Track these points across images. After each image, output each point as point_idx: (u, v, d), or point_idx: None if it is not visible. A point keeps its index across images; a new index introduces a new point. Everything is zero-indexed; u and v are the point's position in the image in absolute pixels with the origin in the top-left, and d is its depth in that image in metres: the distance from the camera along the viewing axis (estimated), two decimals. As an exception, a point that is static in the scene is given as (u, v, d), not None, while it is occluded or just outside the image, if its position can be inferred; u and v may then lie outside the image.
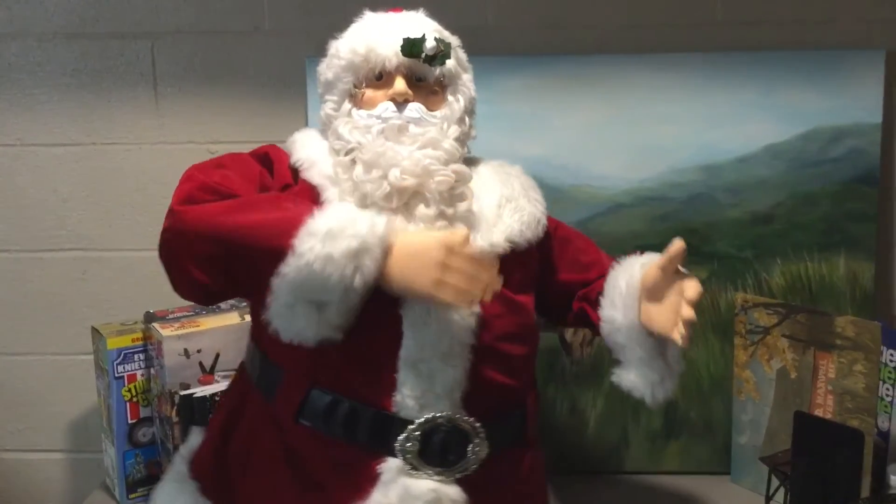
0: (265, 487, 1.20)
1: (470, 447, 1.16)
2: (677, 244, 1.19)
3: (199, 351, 1.48)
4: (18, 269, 1.75)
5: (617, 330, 1.26)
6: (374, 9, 1.29)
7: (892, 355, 1.46)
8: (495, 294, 1.12)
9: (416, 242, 1.09)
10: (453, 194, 1.18)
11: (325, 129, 1.27)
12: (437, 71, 1.23)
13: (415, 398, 1.13)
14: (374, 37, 1.23)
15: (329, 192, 1.18)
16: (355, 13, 1.29)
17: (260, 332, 1.18)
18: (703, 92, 1.60)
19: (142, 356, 1.53)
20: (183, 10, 1.67)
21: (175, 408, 1.45)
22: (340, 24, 1.29)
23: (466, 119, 1.26)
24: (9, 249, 1.74)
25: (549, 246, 1.34)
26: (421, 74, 1.23)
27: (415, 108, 1.21)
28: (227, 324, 1.51)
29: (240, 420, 1.25)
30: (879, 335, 1.37)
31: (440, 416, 1.14)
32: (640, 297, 1.24)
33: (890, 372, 1.47)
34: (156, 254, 1.18)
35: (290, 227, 1.06)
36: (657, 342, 1.25)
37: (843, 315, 1.45)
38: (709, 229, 1.61)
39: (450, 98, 1.25)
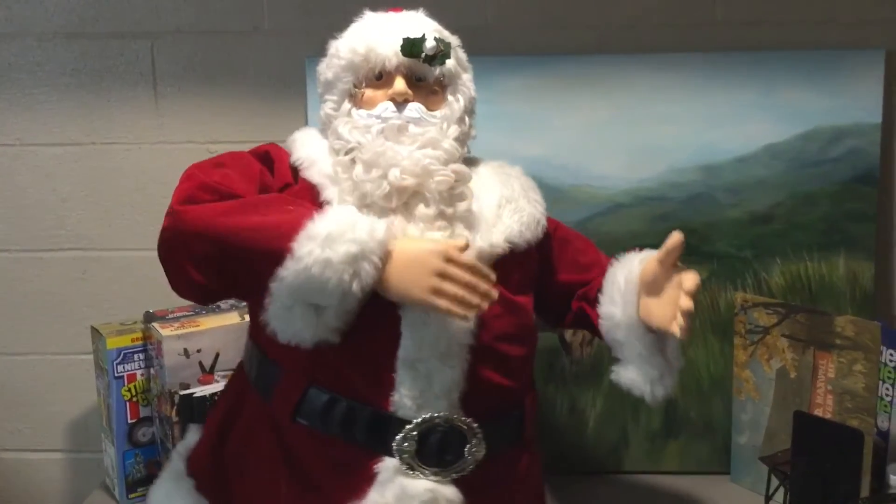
0: (262, 486, 1.20)
1: (467, 447, 1.16)
2: (675, 237, 1.19)
3: (198, 351, 1.48)
4: (18, 268, 1.75)
5: (616, 326, 1.26)
6: (374, 9, 1.29)
7: (891, 355, 1.46)
8: (492, 301, 1.12)
9: (414, 249, 1.09)
10: (453, 194, 1.18)
11: (325, 128, 1.27)
12: (437, 71, 1.23)
13: (412, 398, 1.13)
14: (374, 37, 1.23)
15: (329, 191, 1.18)
16: (355, 13, 1.29)
17: (258, 331, 1.18)
18: (703, 92, 1.60)
19: (141, 356, 1.53)
20: (183, 9, 1.67)
21: (175, 407, 1.45)
22: (340, 23, 1.29)
23: (466, 119, 1.26)
24: (8, 249, 1.74)
25: (549, 247, 1.34)
26: (421, 74, 1.23)
27: (414, 108, 1.21)
28: (226, 323, 1.51)
29: (237, 419, 1.25)
30: (879, 335, 1.37)
31: (438, 417, 1.14)
32: (638, 292, 1.24)
33: (889, 372, 1.47)
34: (155, 254, 1.18)
35: (290, 231, 1.06)
36: (656, 338, 1.25)
37: (843, 315, 1.45)
38: (708, 229, 1.61)
39: (450, 98, 1.25)
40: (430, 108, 1.23)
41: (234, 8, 1.67)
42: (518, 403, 1.25)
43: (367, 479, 1.14)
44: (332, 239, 1.05)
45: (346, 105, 1.24)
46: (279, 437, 1.19)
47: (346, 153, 1.20)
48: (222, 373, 1.48)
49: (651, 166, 1.61)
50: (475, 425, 1.16)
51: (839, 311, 1.57)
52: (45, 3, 1.68)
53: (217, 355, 1.50)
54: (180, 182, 1.17)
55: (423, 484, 1.13)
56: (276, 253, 1.06)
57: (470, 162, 1.28)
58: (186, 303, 1.49)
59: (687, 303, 1.17)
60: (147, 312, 1.55)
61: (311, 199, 1.18)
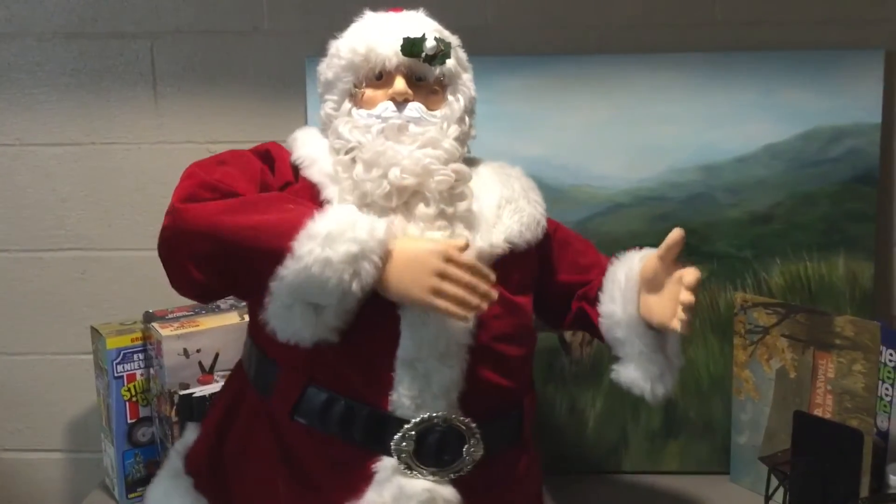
0: (260, 485, 1.20)
1: (465, 448, 1.16)
2: (676, 233, 1.19)
3: (198, 351, 1.48)
4: (18, 268, 1.75)
5: (616, 324, 1.26)
6: (374, 8, 1.29)
7: (891, 355, 1.46)
8: (492, 301, 1.12)
9: (414, 249, 1.09)
10: (453, 194, 1.18)
11: (325, 128, 1.27)
12: (437, 70, 1.24)
13: (411, 398, 1.13)
14: (375, 36, 1.23)
15: (329, 190, 1.19)
16: (355, 13, 1.29)
17: (258, 330, 1.19)
18: (703, 92, 1.60)
19: (141, 356, 1.53)
20: (182, 9, 1.67)
21: (174, 407, 1.45)
22: (340, 23, 1.29)
23: (466, 119, 1.26)
24: (8, 249, 1.74)
25: (549, 247, 1.34)
26: (421, 74, 1.23)
27: (415, 108, 1.21)
28: (226, 323, 1.51)
29: (235, 418, 1.26)
30: (878, 335, 1.37)
31: (436, 416, 1.14)
32: (639, 289, 1.24)
33: (889, 372, 1.47)
34: (155, 253, 1.18)
35: (290, 230, 1.06)
36: (657, 336, 1.25)
37: (843, 315, 1.45)
38: (708, 229, 1.61)
39: (450, 98, 1.25)
40: (430, 108, 1.23)
41: (233, 8, 1.66)
42: (517, 404, 1.25)
43: (364, 478, 1.14)
44: (332, 238, 1.05)
45: (347, 105, 1.24)
46: (277, 436, 1.19)
47: (347, 152, 1.20)
48: (222, 373, 1.48)
49: (651, 166, 1.61)
50: (473, 425, 1.16)
51: (839, 311, 1.57)
52: (44, 3, 1.67)
53: (217, 355, 1.49)
54: (181, 180, 1.17)
55: (420, 484, 1.13)
56: (277, 252, 1.06)
57: (470, 162, 1.28)
58: (186, 303, 1.49)
59: (687, 297, 1.17)
60: (147, 312, 1.55)
61: (312, 197, 1.18)
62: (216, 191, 1.14)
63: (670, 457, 1.65)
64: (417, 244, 1.11)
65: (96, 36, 1.68)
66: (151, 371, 1.52)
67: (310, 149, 1.24)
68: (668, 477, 1.63)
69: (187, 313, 1.54)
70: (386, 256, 1.08)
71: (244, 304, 1.50)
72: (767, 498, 1.48)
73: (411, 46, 1.21)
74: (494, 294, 1.11)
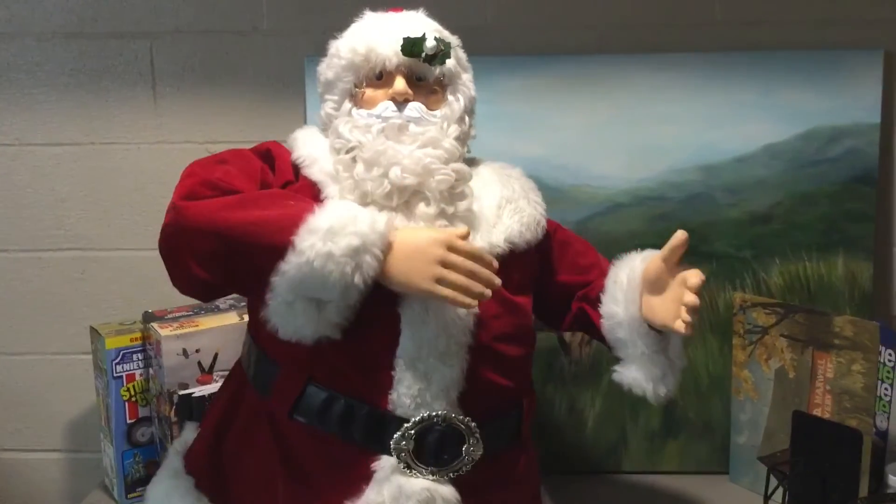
0: (259, 484, 1.20)
1: (465, 447, 1.16)
2: (680, 235, 1.20)
3: (197, 351, 1.48)
4: (17, 268, 1.74)
5: (618, 325, 1.26)
6: (374, 8, 1.29)
7: (890, 355, 1.47)
8: (494, 293, 1.12)
9: (415, 239, 1.10)
10: (454, 193, 1.19)
11: (326, 128, 1.27)
12: (437, 70, 1.24)
13: (411, 397, 1.13)
14: (375, 36, 1.23)
15: (329, 190, 1.19)
16: (355, 13, 1.29)
17: (257, 328, 1.19)
18: (703, 92, 1.60)
19: (140, 356, 1.53)
20: (182, 9, 1.67)
21: (174, 407, 1.45)
22: (340, 23, 1.29)
23: (466, 118, 1.26)
24: (7, 249, 1.74)
25: (549, 248, 1.34)
26: (421, 74, 1.24)
27: (415, 108, 1.21)
28: (225, 323, 1.51)
29: (234, 418, 1.26)
30: (878, 335, 1.37)
31: (436, 416, 1.14)
32: (641, 290, 1.24)
33: (888, 371, 1.47)
34: (154, 253, 1.18)
35: (291, 224, 1.06)
36: (659, 337, 1.25)
37: (842, 315, 1.45)
38: (707, 229, 1.61)
39: (450, 97, 1.25)
40: (430, 108, 1.23)
41: (233, 8, 1.66)
42: (516, 403, 1.25)
43: (364, 477, 1.14)
44: (333, 232, 1.05)
45: (347, 105, 1.24)
46: (276, 435, 1.19)
47: (347, 152, 1.20)
48: (221, 373, 1.48)
49: (651, 166, 1.61)
50: (473, 425, 1.16)
51: (838, 311, 1.57)
52: (44, 3, 1.67)
53: (216, 355, 1.49)
54: (181, 179, 1.17)
55: (420, 483, 1.13)
56: (278, 247, 1.06)
57: (470, 162, 1.28)
58: (185, 303, 1.49)
59: (692, 299, 1.17)
60: (146, 312, 1.54)
61: (312, 196, 1.18)
62: (217, 189, 1.14)
63: (669, 457, 1.65)
64: (418, 234, 1.11)
65: (96, 36, 1.68)
66: (151, 371, 1.52)
67: (310, 148, 1.25)
68: (667, 477, 1.63)
69: (186, 313, 1.54)
70: (387, 249, 1.08)
71: (243, 304, 1.50)
72: (766, 498, 1.48)
73: (411, 46, 1.21)
74: (497, 281, 1.12)
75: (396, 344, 1.14)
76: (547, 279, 1.34)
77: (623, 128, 1.61)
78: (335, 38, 1.28)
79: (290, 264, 1.05)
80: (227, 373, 1.39)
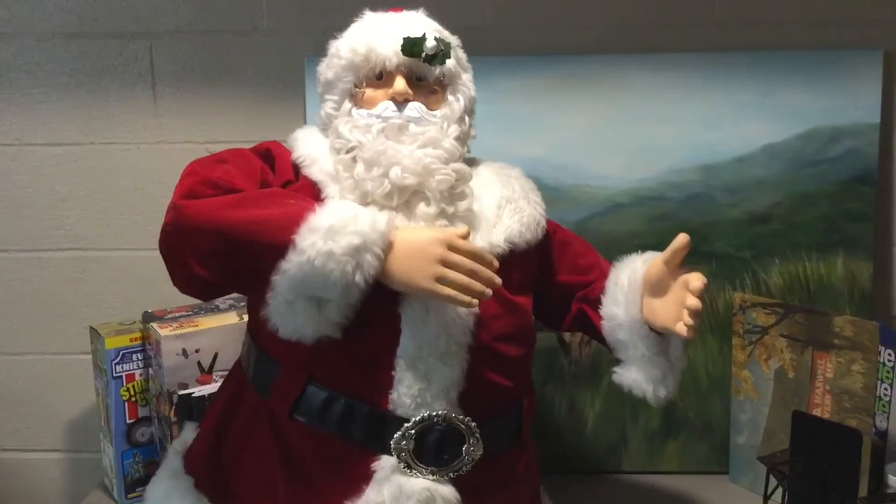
0: (259, 484, 1.20)
1: (465, 447, 1.16)
2: (682, 238, 1.20)
3: (197, 351, 1.48)
4: (17, 268, 1.74)
5: (619, 326, 1.26)
6: (374, 8, 1.29)
7: (889, 355, 1.47)
8: (495, 292, 1.12)
9: (416, 238, 1.10)
10: (454, 193, 1.19)
11: (326, 128, 1.27)
12: (437, 70, 1.24)
13: (411, 396, 1.13)
14: (375, 36, 1.23)
15: (330, 189, 1.19)
16: (355, 13, 1.29)
17: (257, 328, 1.19)
18: (702, 92, 1.60)
19: (140, 356, 1.53)
20: (181, 9, 1.67)
21: (173, 407, 1.45)
22: (340, 23, 1.29)
23: (466, 119, 1.26)
24: (7, 249, 1.74)
25: (548, 248, 1.34)
26: (421, 74, 1.24)
27: (415, 108, 1.22)
28: (225, 323, 1.51)
29: (234, 418, 1.26)
30: (877, 335, 1.37)
31: (436, 415, 1.14)
32: (642, 292, 1.24)
33: (888, 371, 1.47)
34: (154, 253, 1.18)
35: (292, 223, 1.06)
36: (659, 339, 1.25)
37: (841, 315, 1.45)
38: (707, 229, 1.61)
39: (450, 97, 1.25)
40: (430, 108, 1.23)
41: (232, 8, 1.66)
42: (517, 403, 1.25)
43: (364, 477, 1.14)
44: (334, 231, 1.05)
45: (347, 105, 1.24)
46: (276, 435, 1.19)
47: (347, 152, 1.20)
48: (221, 373, 1.48)
49: (650, 166, 1.61)
50: (473, 424, 1.16)
51: (837, 311, 1.57)
52: (43, 3, 1.67)
53: (216, 355, 1.49)
54: (182, 178, 1.17)
55: (420, 483, 1.13)
56: (279, 245, 1.06)
57: (470, 162, 1.28)
58: (185, 303, 1.49)
59: (694, 302, 1.17)
60: (145, 312, 1.54)
61: (313, 196, 1.18)
62: (217, 188, 1.14)
63: (669, 457, 1.65)
64: (419, 233, 1.11)
65: (95, 36, 1.68)
66: (150, 371, 1.52)
67: (310, 148, 1.25)
68: (667, 477, 1.63)
69: (186, 313, 1.54)
70: (388, 248, 1.08)
71: (243, 303, 1.50)
72: (766, 498, 1.48)
73: (411, 46, 1.21)
74: (498, 280, 1.12)
75: (397, 343, 1.14)
76: (546, 279, 1.34)
77: (623, 128, 1.61)
78: (335, 38, 1.28)
79: (291, 263, 1.05)
80: (226, 373, 1.39)
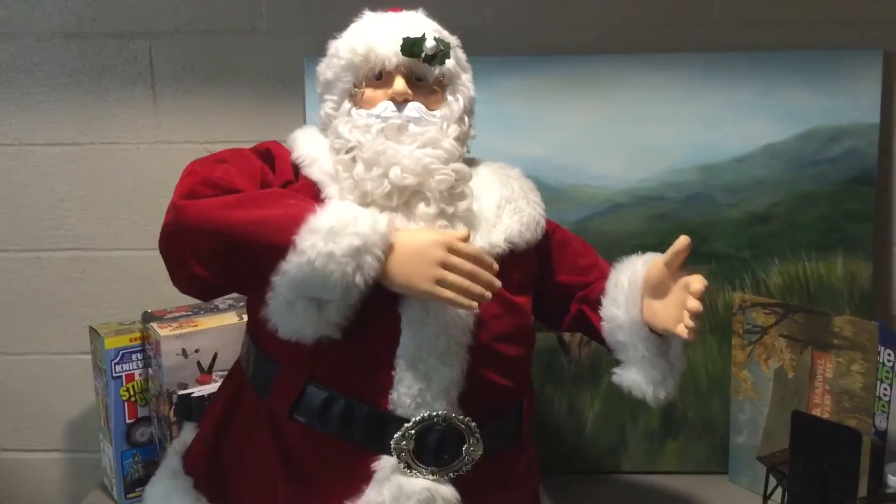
0: (259, 485, 1.20)
1: (465, 447, 1.16)
2: (682, 240, 1.20)
3: (196, 351, 1.48)
4: (16, 268, 1.74)
5: (619, 328, 1.26)
6: (374, 8, 1.29)
7: (889, 355, 1.47)
8: (494, 293, 1.12)
9: (416, 240, 1.10)
10: (453, 193, 1.19)
11: (325, 128, 1.27)
12: (437, 70, 1.24)
13: (411, 397, 1.13)
14: (374, 36, 1.23)
15: (329, 189, 1.19)
16: (355, 13, 1.29)
17: (256, 328, 1.19)
18: (702, 92, 1.60)
19: (140, 356, 1.53)
20: (181, 9, 1.67)
21: (173, 407, 1.45)
22: (340, 23, 1.29)
23: (466, 119, 1.26)
24: (7, 249, 1.74)
25: (548, 248, 1.34)
26: (420, 74, 1.24)
27: (414, 108, 1.22)
28: (225, 323, 1.51)
29: (234, 418, 1.26)
30: (877, 335, 1.37)
31: (436, 415, 1.14)
32: (642, 293, 1.24)
33: (887, 371, 1.47)
34: (154, 253, 1.18)
35: (292, 224, 1.06)
36: (659, 341, 1.25)
37: (841, 315, 1.45)
38: (707, 229, 1.61)
39: (449, 98, 1.25)
40: (429, 108, 1.23)
41: (232, 8, 1.66)
42: (516, 403, 1.25)
43: (364, 477, 1.14)
44: (334, 232, 1.05)
45: (346, 105, 1.24)
46: (276, 435, 1.19)
47: (347, 152, 1.20)
48: (220, 373, 1.48)
49: (650, 166, 1.61)
50: (473, 424, 1.16)
51: (837, 311, 1.57)
52: (43, 3, 1.67)
53: (215, 355, 1.49)
54: (182, 178, 1.17)
55: (420, 483, 1.14)
56: (279, 246, 1.06)
57: (470, 162, 1.28)
58: (185, 303, 1.49)
59: (695, 304, 1.17)
60: (145, 312, 1.54)
61: (312, 196, 1.18)
62: (217, 188, 1.14)
63: (669, 457, 1.65)
64: (419, 235, 1.11)
65: (95, 36, 1.68)
66: (150, 371, 1.52)
67: (310, 148, 1.25)
68: (666, 477, 1.63)
69: (186, 313, 1.54)
70: (388, 249, 1.09)
71: (243, 304, 1.50)
72: (766, 498, 1.48)
73: (411, 46, 1.21)
74: (498, 283, 1.12)
75: (397, 344, 1.14)
76: (546, 279, 1.34)
77: (623, 128, 1.61)
78: (335, 38, 1.28)
79: (291, 264, 1.05)
80: (226, 373, 1.39)
